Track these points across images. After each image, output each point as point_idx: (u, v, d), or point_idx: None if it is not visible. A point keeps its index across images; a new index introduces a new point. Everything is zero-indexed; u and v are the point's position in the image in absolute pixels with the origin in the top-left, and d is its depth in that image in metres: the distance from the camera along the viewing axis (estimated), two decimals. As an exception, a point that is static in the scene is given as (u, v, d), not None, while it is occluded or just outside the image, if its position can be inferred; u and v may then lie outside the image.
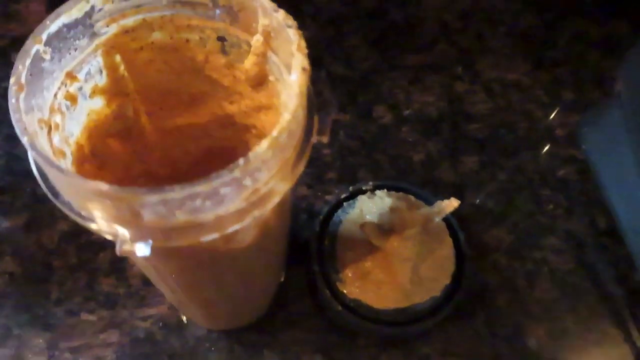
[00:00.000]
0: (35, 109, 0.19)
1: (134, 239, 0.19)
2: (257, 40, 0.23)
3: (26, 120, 0.18)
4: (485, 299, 0.40)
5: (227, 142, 0.31)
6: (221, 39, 0.24)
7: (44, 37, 0.20)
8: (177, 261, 0.24)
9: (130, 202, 0.17)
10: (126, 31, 0.23)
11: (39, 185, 0.19)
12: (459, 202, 0.33)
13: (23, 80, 0.19)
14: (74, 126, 0.23)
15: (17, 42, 0.51)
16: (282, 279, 0.39)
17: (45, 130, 0.20)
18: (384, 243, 0.34)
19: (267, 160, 0.18)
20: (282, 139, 0.18)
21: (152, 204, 0.17)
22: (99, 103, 0.24)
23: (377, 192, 0.39)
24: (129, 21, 0.23)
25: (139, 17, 0.23)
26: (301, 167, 0.21)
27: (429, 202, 0.39)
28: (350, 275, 0.36)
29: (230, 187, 0.18)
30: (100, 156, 0.25)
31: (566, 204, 0.44)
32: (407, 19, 0.54)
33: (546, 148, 0.47)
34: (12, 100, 0.18)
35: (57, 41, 0.21)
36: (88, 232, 0.43)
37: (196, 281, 0.28)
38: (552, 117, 0.49)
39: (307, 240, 0.38)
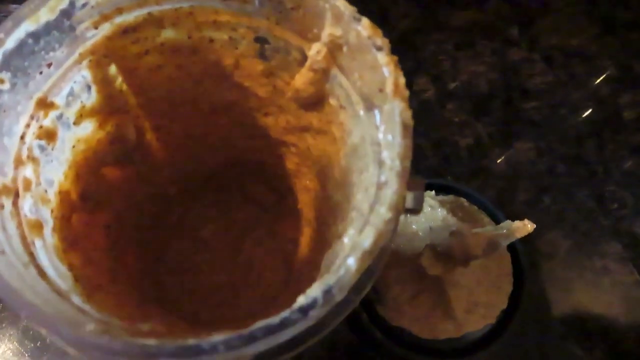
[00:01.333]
0: (-9, 174, 0.13)
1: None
2: (317, 51, 0.15)
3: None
4: (539, 315, 0.35)
5: (254, 155, 0.24)
6: (261, 40, 0.17)
7: (-2, 58, 0.13)
8: None
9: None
10: (124, 31, 0.16)
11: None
12: (534, 225, 0.27)
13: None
14: (54, 171, 0.16)
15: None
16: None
17: (9, 202, 0.13)
18: (443, 272, 0.28)
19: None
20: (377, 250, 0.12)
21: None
22: (87, 128, 0.17)
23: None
24: (129, 17, 0.15)
25: (144, 11, 0.15)
26: (387, 254, 0.14)
27: (484, 206, 0.33)
28: (393, 297, 0.30)
29: (298, 327, 0.12)
30: (92, 197, 0.18)
31: (632, 202, 0.39)
32: (455, -35, 0.45)
33: (612, 133, 0.41)
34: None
35: (20, 59, 0.14)
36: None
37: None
38: (620, 94, 0.42)
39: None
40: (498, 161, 0.40)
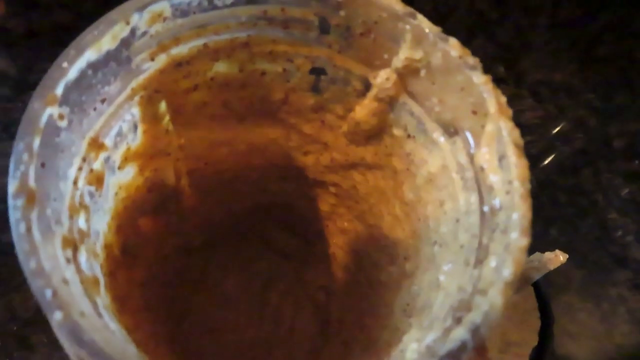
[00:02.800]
0: (52, 224, 0.11)
1: None
2: (386, 79, 0.15)
3: (48, 265, 0.10)
4: (564, 350, 0.34)
5: (283, 198, 0.23)
6: (317, 71, 0.16)
7: (60, 91, 0.11)
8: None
9: None
10: (178, 64, 0.14)
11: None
12: (566, 256, 0.27)
13: (32, 181, 0.10)
14: (100, 221, 0.14)
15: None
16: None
17: (71, 255, 0.11)
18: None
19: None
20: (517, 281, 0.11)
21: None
22: (129, 173, 0.16)
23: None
24: (184, 49, 0.14)
25: (199, 42, 0.14)
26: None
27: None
28: (423, 343, 0.29)
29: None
30: (130, 252, 0.16)
31: (635, 228, 0.39)
32: (437, 7, 0.46)
33: (605, 162, 0.42)
34: (19, 229, 0.10)
35: (78, 93, 0.12)
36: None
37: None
38: (607, 124, 0.43)
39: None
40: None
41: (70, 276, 0.10)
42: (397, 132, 0.16)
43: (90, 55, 0.12)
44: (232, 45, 0.15)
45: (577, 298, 0.36)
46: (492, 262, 0.11)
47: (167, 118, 0.15)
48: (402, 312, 0.15)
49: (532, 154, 0.41)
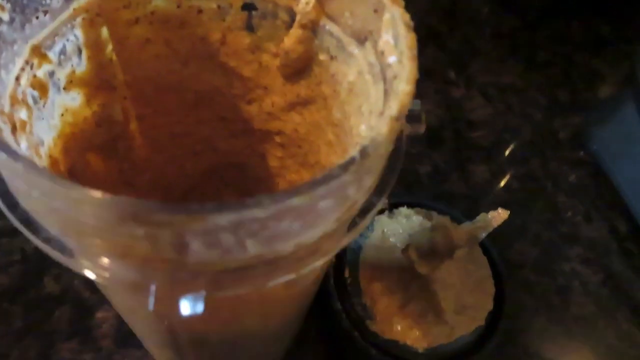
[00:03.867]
0: (-8, 95, 0.12)
1: (172, 289, 0.12)
2: (305, 4, 0.17)
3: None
4: (523, 322, 0.35)
5: (235, 158, 0.24)
6: (248, 7, 0.18)
7: (2, -17, 0.13)
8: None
9: (179, 230, 0.10)
10: (118, -7, 0.16)
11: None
12: (507, 212, 0.28)
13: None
14: (45, 131, 0.15)
15: None
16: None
17: (9, 127, 0.12)
18: (430, 270, 0.28)
19: (380, 156, 0.12)
20: (401, 120, 0.12)
21: (213, 232, 0.10)
22: (76, 99, 0.17)
23: (396, 210, 0.33)
24: (123, -22, 0.16)
25: (137, -29, 0.16)
26: (396, 174, 0.15)
27: (455, 218, 0.33)
28: (382, 310, 0.29)
29: (332, 198, 0.11)
30: (79, 177, 0.17)
31: (583, 209, 0.41)
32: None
33: (552, 152, 0.44)
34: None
35: (21, -5, 0.14)
36: (36, 285, 0.34)
37: (207, 331, 0.20)
38: (552, 119, 0.46)
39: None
40: (457, 184, 0.42)
41: (4, 129, 0.12)
42: (322, 57, 0.18)
43: (32, -40, 0.13)
44: (168, -22, 0.17)
45: (534, 274, 0.38)
46: (387, 113, 0.12)
47: (110, 47, 0.17)
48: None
49: (483, 146, 0.43)
